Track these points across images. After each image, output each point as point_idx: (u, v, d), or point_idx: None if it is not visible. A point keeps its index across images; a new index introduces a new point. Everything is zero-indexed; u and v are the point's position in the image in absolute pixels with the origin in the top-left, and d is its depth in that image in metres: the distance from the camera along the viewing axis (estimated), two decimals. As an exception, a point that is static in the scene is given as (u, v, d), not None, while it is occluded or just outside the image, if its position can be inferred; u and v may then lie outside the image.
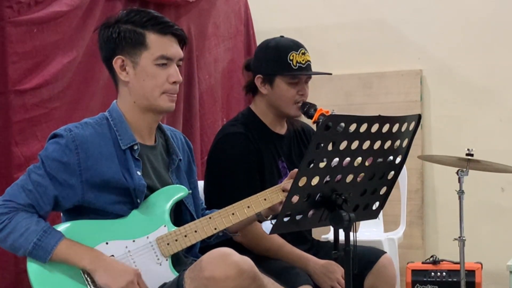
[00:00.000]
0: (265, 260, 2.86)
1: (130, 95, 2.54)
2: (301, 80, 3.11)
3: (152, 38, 2.51)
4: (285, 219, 2.28)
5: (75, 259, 2.39)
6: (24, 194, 2.41)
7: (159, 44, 2.51)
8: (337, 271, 2.92)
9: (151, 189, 2.54)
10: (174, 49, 2.54)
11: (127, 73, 2.52)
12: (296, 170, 2.64)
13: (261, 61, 3.13)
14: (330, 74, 3.26)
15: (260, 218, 2.74)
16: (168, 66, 2.52)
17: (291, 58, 3.07)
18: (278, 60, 3.08)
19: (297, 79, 3.10)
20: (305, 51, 3.12)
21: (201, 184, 3.18)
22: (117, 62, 2.52)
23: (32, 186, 2.42)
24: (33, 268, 2.41)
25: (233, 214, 2.54)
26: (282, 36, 3.19)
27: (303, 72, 3.09)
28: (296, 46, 3.11)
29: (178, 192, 2.59)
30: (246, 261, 2.30)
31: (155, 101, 2.52)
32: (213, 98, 4.48)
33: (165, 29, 2.53)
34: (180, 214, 2.64)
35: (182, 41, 2.59)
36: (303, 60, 3.09)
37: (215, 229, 2.52)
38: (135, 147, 2.51)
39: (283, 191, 2.59)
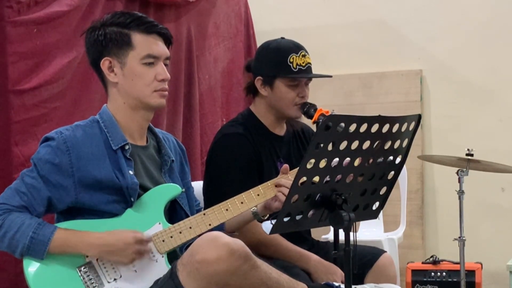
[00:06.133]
0: (265, 260, 2.86)
1: (120, 95, 2.57)
2: (301, 82, 3.11)
3: (137, 38, 2.54)
4: (285, 219, 2.28)
5: (74, 248, 2.42)
6: (18, 196, 2.44)
7: (144, 43, 2.54)
8: (338, 273, 2.92)
9: (144, 189, 2.56)
10: (160, 48, 2.57)
11: (115, 74, 2.55)
12: (287, 165, 2.66)
13: (261, 63, 3.14)
14: (331, 76, 3.26)
15: (257, 218, 2.75)
16: (155, 64, 2.56)
17: (291, 60, 3.07)
18: (278, 62, 3.08)
19: (297, 82, 3.10)
20: (306, 53, 3.11)
21: (201, 184, 3.18)
22: (104, 63, 2.55)
23: (26, 189, 2.44)
24: (29, 268, 2.42)
25: (227, 209, 2.57)
26: (283, 38, 3.19)
27: (303, 75, 3.09)
28: (296, 48, 3.11)
29: (172, 190, 2.61)
30: (237, 242, 2.33)
31: (146, 99, 2.56)
32: (213, 98, 4.48)
33: (150, 28, 2.56)
34: (175, 214, 2.66)
35: (168, 40, 2.62)
36: (303, 63, 3.09)
37: (210, 225, 2.54)
38: (126, 147, 2.54)
39: (276, 186, 2.61)
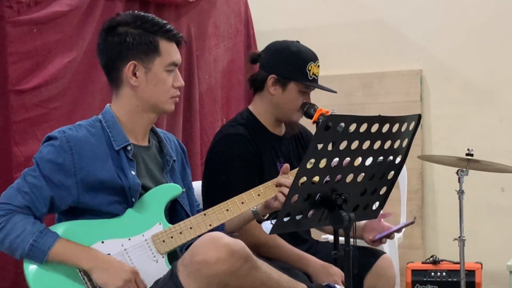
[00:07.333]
0: (265, 260, 2.86)
1: (135, 98, 2.58)
2: (310, 91, 3.16)
3: (163, 45, 2.57)
4: (285, 219, 2.29)
5: (72, 259, 2.41)
6: (20, 196, 2.43)
7: (169, 51, 2.58)
8: (338, 274, 2.92)
9: (146, 189, 2.56)
10: (179, 55, 2.63)
11: (137, 78, 2.55)
12: (287, 165, 2.66)
13: (279, 63, 3.14)
14: (335, 92, 3.30)
15: (257, 217, 2.75)
16: (173, 71, 2.60)
17: (309, 68, 3.12)
18: (297, 67, 3.11)
19: (308, 90, 3.14)
20: (319, 64, 3.16)
21: (200, 184, 3.18)
22: (130, 67, 2.54)
23: (28, 188, 2.44)
24: (30, 268, 2.42)
25: (227, 210, 2.57)
26: (298, 42, 3.20)
27: (316, 84, 3.16)
28: (314, 57, 3.17)
29: (173, 190, 2.61)
30: (237, 243, 2.33)
31: (162, 105, 2.60)
32: (213, 98, 4.48)
33: (173, 36, 2.60)
34: (176, 215, 2.66)
35: (179, 45, 2.65)
36: (317, 73, 3.16)
37: (210, 225, 2.55)
38: (129, 148, 2.54)
39: (277, 186, 2.61)
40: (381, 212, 3.11)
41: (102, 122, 2.56)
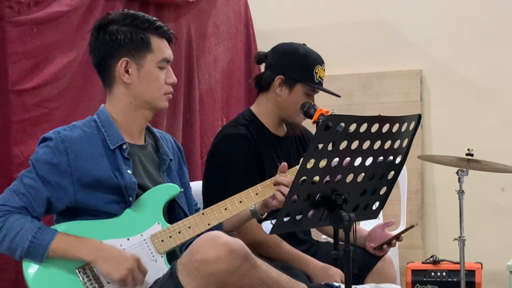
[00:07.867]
0: (264, 260, 2.86)
1: (129, 96, 2.58)
2: (315, 93, 3.18)
3: (155, 41, 2.58)
4: (285, 219, 2.28)
5: (72, 252, 2.40)
6: (17, 197, 2.44)
7: (160, 47, 2.59)
8: (337, 274, 2.92)
9: (142, 188, 2.56)
10: (170, 52, 2.63)
11: (129, 75, 2.56)
12: (285, 163, 2.67)
13: (287, 64, 3.15)
14: (339, 96, 3.30)
15: (255, 216, 2.75)
16: (166, 68, 2.60)
17: (316, 71, 3.14)
18: (305, 69, 3.13)
19: (314, 92, 3.16)
20: (325, 68, 3.18)
21: (200, 184, 3.18)
22: (122, 64, 2.55)
23: (25, 190, 2.44)
24: (29, 270, 2.41)
25: (225, 209, 2.57)
26: (304, 44, 3.21)
27: (321, 87, 3.17)
28: (321, 61, 3.19)
29: (171, 190, 2.61)
30: (237, 242, 2.33)
31: (155, 101, 2.60)
32: (213, 98, 4.48)
33: (164, 33, 2.61)
34: (174, 214, 2.66)
35: (170, 42, 2.66)
36: (323, 76, 3.18)
37: (209, 224, 2.55)
38: (124, 146, 2.54)
39: (274, 184, 2.61)
40: (383, 221, 3.12)
41: (97, 122, 2.57)
